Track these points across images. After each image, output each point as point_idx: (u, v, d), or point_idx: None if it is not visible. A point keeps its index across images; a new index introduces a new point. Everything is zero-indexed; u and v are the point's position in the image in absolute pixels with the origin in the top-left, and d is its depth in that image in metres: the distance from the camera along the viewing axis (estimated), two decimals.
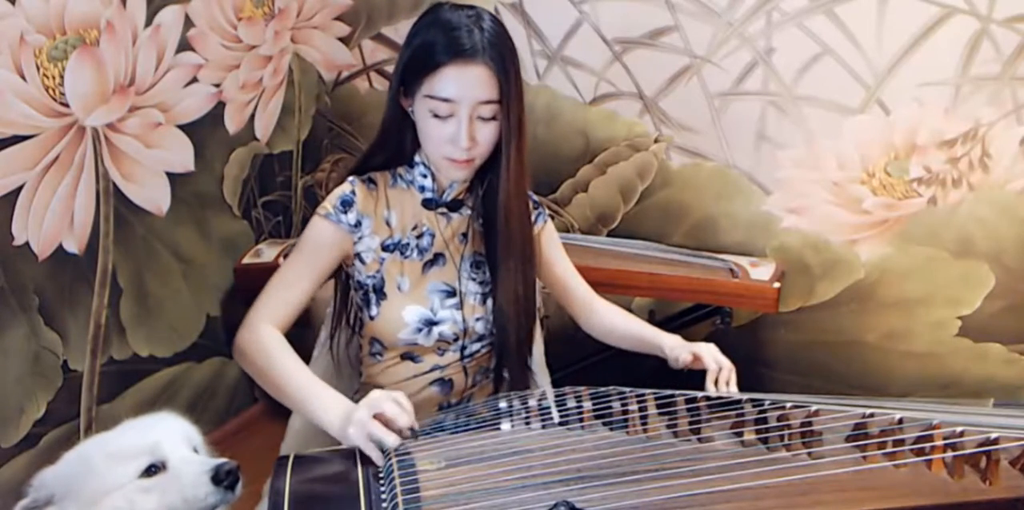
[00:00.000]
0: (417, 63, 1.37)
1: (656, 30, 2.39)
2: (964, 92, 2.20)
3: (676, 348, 1.50)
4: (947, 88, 2.21)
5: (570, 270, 1.66)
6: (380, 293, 1.48)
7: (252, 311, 1.43)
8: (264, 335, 1.39)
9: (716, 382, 1.44)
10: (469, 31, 1.34)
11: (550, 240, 1.63)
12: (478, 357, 1.54)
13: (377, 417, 1.25)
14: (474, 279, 1.51)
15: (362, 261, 1.48)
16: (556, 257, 1.64)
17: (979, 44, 2.15)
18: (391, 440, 1.24)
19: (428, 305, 1.48)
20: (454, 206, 1.49)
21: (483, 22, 1.36)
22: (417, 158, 1.47)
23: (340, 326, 1.59)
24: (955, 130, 2.23)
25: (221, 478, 1.12)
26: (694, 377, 1.45)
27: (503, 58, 1.35)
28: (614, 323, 1.64)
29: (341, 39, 2.71)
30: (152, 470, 1.13)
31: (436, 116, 1.37)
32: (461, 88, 1.34)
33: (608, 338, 1.65)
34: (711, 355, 1.47)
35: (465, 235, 1.52)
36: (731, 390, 1.43)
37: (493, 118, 1.37)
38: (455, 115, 1.36)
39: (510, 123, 1.38)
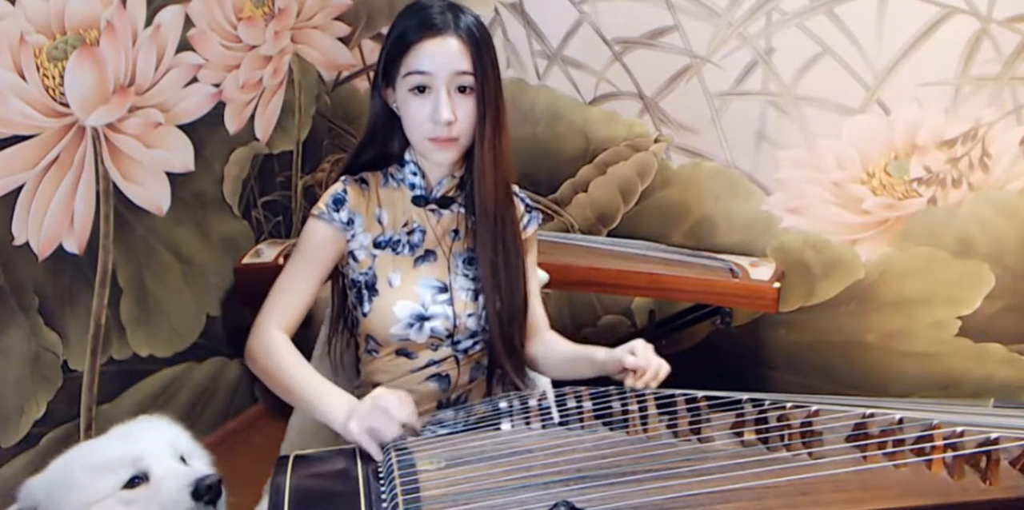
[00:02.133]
0: (394, 49, 1.42)
1: (656, 30, 2.39)
2: (964, 92, 2.20)
3: (609, 353, 1.44)
4: (947, 88, 2.21)
5: (534, 288, 1.62)
6: (372, 289, 1.49)
7: (259, 317, 1.45)
8: (271, 340, 1.42)
9: (638, 378, 1.36)
10: (441, 11, 1.41)
11: (530, 251, 1.61)
12: (472, 354, 1.55)
13: (380, 410, 1.28)
14: (466, 275, 1.52)
15: (355, 258, 1.49)
16: (527, 270, 1.60)
17: (979, 44, 2.15)
18: (390, 431, 1.26)
19: (419, 300, 1.49)
20: (444, 203, 1.51)
21: (456, 9, 1.42)
22: (407, 156, 1.50)
23: (338, 330, 1.60)
24: (955, 130, 2.23)
25: (201, 493, 1.12)
26: (694, 376, 1.44)
27: (474, 34, 1.40)
28: (557, 347, 1.58)
29: (341, 39, 2.71)
30: (135, 481, 1.13)
31: (415, 93, 1.40)
32: (435, 60, 1.38)
33: (548, 363, 1.59)
34: (641, 351, 1.40)
35: (456, 232, 1.53)
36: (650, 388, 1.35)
37: (471, 92, 1.40)
38: (432, 89, 1.39)
39: (485, 99, 1.41)
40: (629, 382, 1.37)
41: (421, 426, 1.32)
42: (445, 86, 1.39)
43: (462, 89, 1.40)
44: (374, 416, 1.27)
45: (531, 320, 1.60)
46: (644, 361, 1.39)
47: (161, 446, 1.17)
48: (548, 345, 1.60)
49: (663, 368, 1.40)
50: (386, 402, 1.29)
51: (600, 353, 1.47)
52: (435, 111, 1.39)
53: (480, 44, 1.40)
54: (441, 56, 1.38)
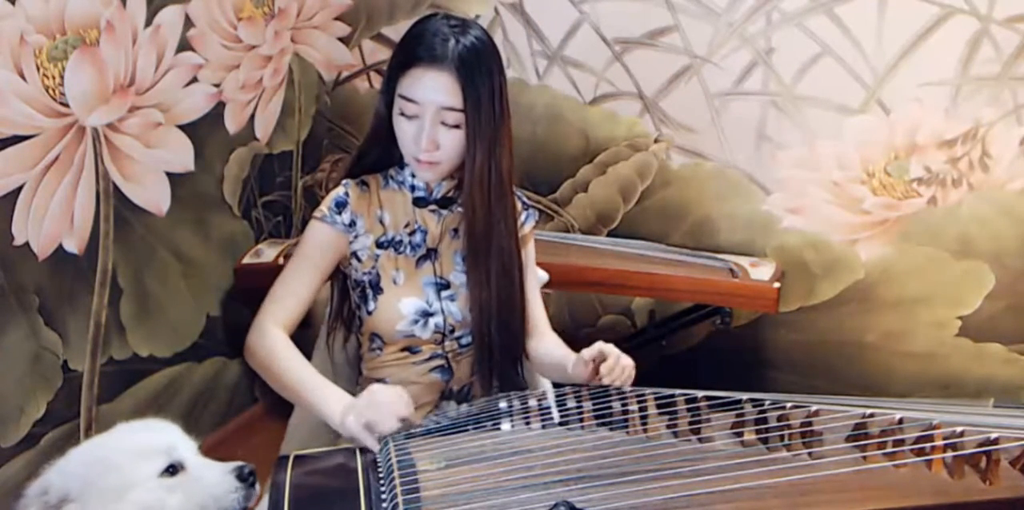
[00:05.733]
0: (395, 62, 1.43)
1: (656, 30, 2.39)
2: (964, 92, 2.20)
3: (577, 356, 1.41)
4: (947, 88, 2.21)
5: (533, 288, 1.61)
6: (376, 288, 1.51)
7: (259, 315, 1.47)
8: (270, 337, 1.43)
9: (602, 370, 1.35)
10: (444, 39, 1.38)
11: (526, 251, 1.60)
12: (472, 347, 1.56)
13: (378, 405, 1.30)
14: (465, 272, 1.54)
15: (358, 259, 1.51)
16: (524, 269, 1.59)
17: (979, 44, 2.15)
18: (388, 425, 1.28)
19: (423, 297, 1.52)
20: (445, 203, 1.53)
21: (464, 36, 1.39)
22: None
23: (336, 327, 1.62)
24: (955, 130, 2.23)
25: (245, 476, 1.15)
26: (694, 377, 1.43)
27: (472, 69, 1.38)
28: (549, 350, 1.56)
29: (341, 39, 2.71)
30: (171, 470, 1.14)
31: (403, 115, 1.41)
32: (424, 90, 1.38)
33: (540, 365, 1.58)
34: (598, 346, 1.38)
35: (456, 230, 1.55)
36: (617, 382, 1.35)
37: (457, 126, 1.40)
38: (420, 117, 1.40)
39: (477, 134, 1.40)
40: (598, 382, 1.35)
41: (422, 418, 1.32)
42: (431, 117, 1.39)
43: (449, 121, 1.40)
44: (372, 410, 1.29)
45: (530, 321, 1.59)
46: (598, 353, 1.36)
47: (186, 440, 1.20)
48: (543, 348, 1.58)
49: (625, 359, 1.37)
50: (384, 397, 1.31)
51: (569, 359, 1.42)
52: (418, 137, 1.40)
53: (475, 79, 1.38)
54: (431, 90, 1.38)
